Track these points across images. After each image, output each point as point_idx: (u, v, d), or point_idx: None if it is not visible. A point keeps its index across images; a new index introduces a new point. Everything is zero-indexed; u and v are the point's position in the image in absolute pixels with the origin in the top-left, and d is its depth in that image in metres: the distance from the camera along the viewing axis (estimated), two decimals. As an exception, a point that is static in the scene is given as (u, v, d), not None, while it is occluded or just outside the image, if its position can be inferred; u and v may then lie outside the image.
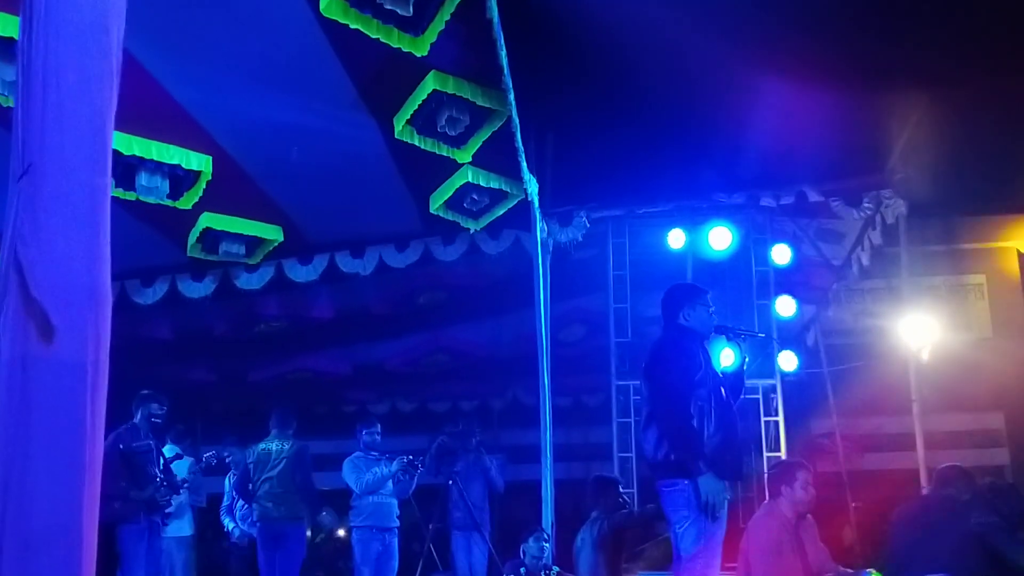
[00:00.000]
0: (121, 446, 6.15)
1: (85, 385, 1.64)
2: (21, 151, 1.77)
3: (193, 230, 6.87)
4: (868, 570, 4.99)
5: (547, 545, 6.20)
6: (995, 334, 13.43)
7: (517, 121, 5.69)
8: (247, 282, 7.82)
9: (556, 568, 6.06)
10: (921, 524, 4.50)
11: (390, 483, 7.17)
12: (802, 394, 8.97)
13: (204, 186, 6.06)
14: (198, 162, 5.91)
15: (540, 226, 7.07)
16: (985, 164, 8.01)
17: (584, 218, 7.80)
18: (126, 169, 5.70)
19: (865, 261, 8.30)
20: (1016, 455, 14.14)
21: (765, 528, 4.96)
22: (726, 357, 5.57)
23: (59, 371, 1.63)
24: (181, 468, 7.09)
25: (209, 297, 7.96)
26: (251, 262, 7.50)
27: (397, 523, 7.24)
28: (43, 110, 1.76)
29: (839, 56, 6.68)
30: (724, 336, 4.42)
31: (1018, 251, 14.65)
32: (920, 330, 7.60)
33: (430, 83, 5.39)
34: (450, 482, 7.51)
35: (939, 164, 7.52)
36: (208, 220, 6.79)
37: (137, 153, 5.60)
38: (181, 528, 7.53)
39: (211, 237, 6.97)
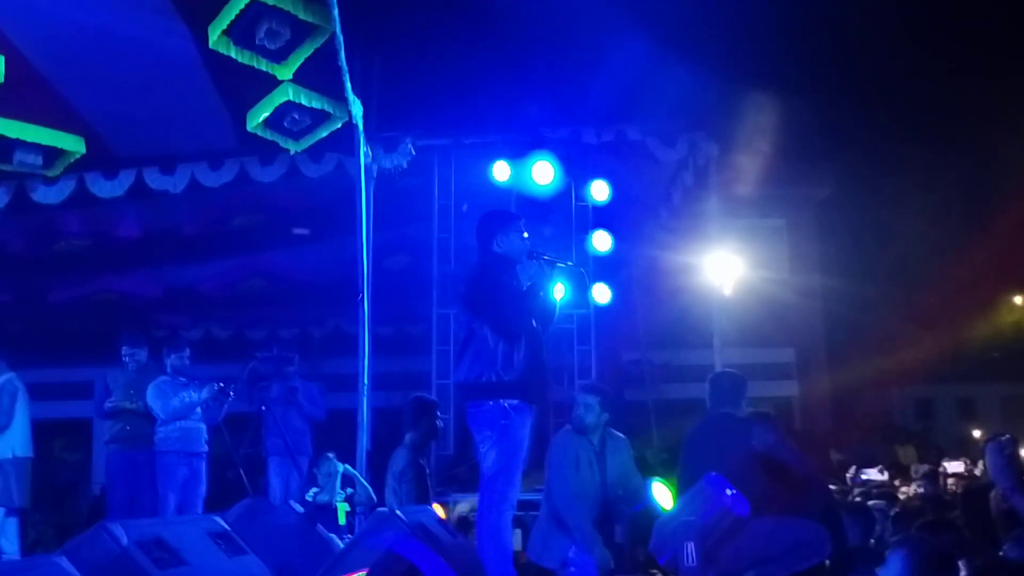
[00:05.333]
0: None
1: None
2: None
3: (-18, 137, 6.32)
4: (654, 479, 5.35)
5: (341, 466, 6.38)
6: (792, 274, 14.49)
7: (342, 39, 5.51)
8: (45, 195, 7.30)
9: (349, 490, 6.23)
10: (707, 441, 4.83)
11: (199, 408, 6.98)
12: (614, 325, 9.36)
13: (-5, 89, 5.57)
14: (-12, 62, 5.42)
15: (364, 150, 6.94)
16: (791, 117, 8.55)
17: (410, 145, 7.73)
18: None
19: (677, 200, 8.70)
20: (804, 387, 15.42)
21: (560, 446, 5.22)
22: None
23: None
24: None
25: (3, 210, 7.39)
26: (50, 174, 6.97)
27: (206, 448, 7.08)
28: None
29: (666, 9, 6.92)
30: (535, 262, 4.52)
31: (816, 197, 15.80)
32: (724, 268, 8.08)
33: (248, -9, 5.14)
34: (263, 408, 7.40)
35: (749, 113, 7.96)
36: (1, 127, 6.25)
37: (-85, 47, 5.07)
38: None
39: (4, 145, 6.41)
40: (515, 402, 4.36)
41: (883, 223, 14.99)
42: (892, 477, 9.96)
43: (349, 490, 6.44)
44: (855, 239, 15.08)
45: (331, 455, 6.71)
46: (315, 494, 6.56)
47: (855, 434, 13.94)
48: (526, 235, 4.58)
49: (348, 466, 6.54)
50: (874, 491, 8.33)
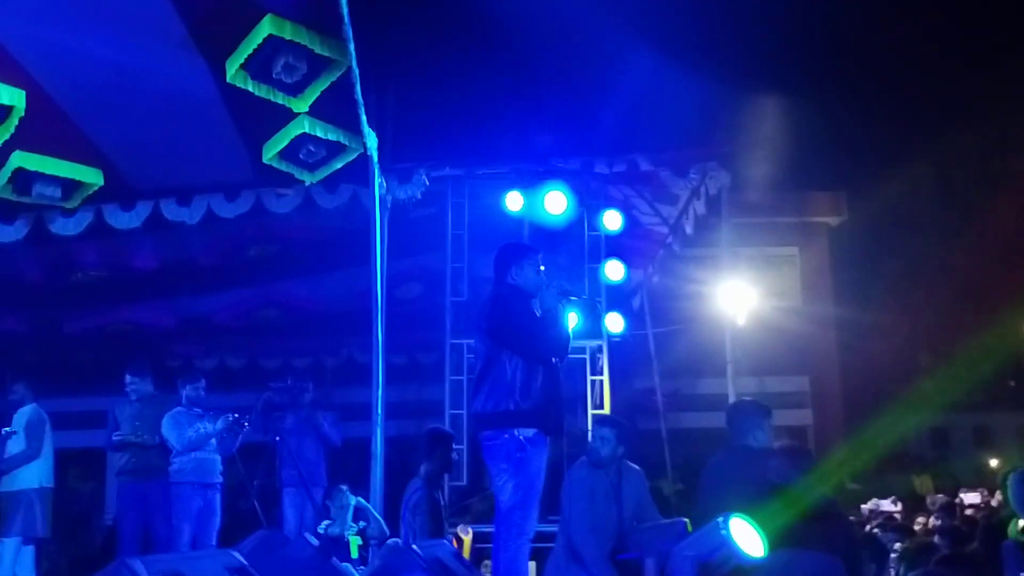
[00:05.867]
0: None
1: None
2: None
3: (3, 170, 6.38)
4: (683, 519, 5.29)
5: (353, 499, 6.37)
6: (804, 303, 14.44)
7: (357, 72, 5.58)
8: (63, 227, 7.34)
9: (362, 523, 6.20)
10: (724, 473, 4.81)
11: (214, 440, 6.99)
12: (627, 355, 9.35)
13: (16, 123, 5.63)
14: (10, 96, 5.46)
15: (379, 181, 6.99)
16: (801, 144, 8.59)
17: (424, 176, 7.77)
18: (-75, 101, 5.23)
19: (689, 230, 8.72)
20: (818, 415, 15.32)
21: (577, 479, 5.20)
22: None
23: None
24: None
25: (20, 242, 7.44)
26: (68, 206, 7.04)
27: (220, 479, 7.08)
28: None
29: (676, 38, 6.98)
30: (550, 294, 4.54)
31: (828, 226, 15.79)
32: (737, 297, 8.07)
33: (266, 27, 5.19)
34: (277, 438, 7.40)
35: (760, 142, 7.99)
36: (20, 159, 6.31)
37: (-62, 82, 5.15)
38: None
39: (23, 178, 6.49)
40: (531, 434, 4.37)
41: (896, 251, 14.96)
42: (907, 508, 9.88)
43: (362, 523, 6.40)
44: (868, 267, 15.05)
45: (344, 488, 6.69)
46: (327, 526, 6.55)
47: (870, 463, 13.83)
48: (542, 268, 4.61)
49: (361, 499, 6.52)
50: (888, 523, 8.27)
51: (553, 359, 4.47)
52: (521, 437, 4.35)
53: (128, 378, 7.23)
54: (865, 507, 9.68)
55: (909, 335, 15.69)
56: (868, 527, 8.27)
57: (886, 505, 9.50)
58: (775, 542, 4.23)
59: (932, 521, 8.78)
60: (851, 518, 7.73)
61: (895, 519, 8.73)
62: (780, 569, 4.25)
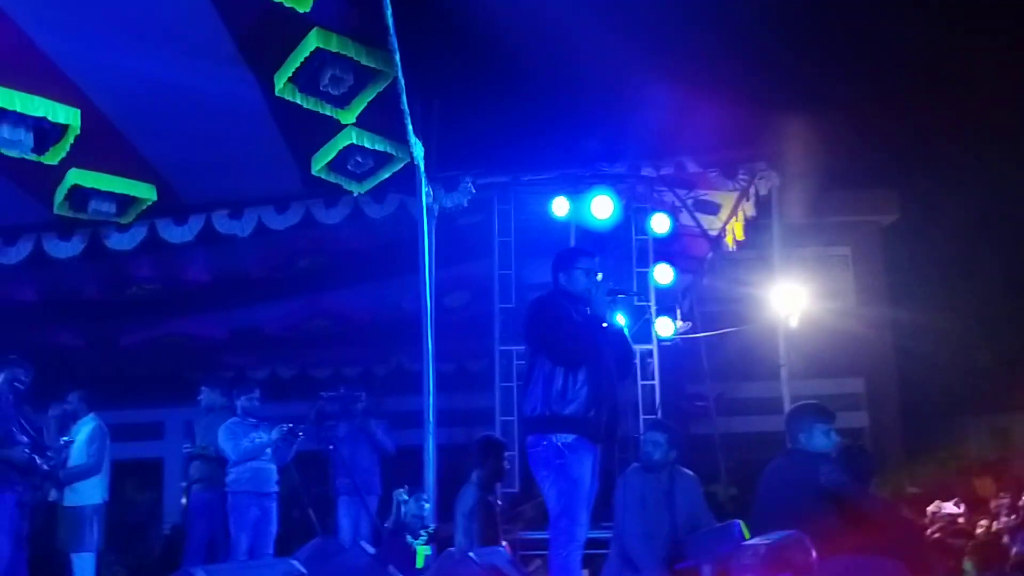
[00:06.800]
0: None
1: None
2: None
3: (60, 187, 6.53)
4: (737, 520, 5.22)
5: (427, 505, 6.25)
6: (858, 303, 14.20)
7: (403, 83, 5.61)
8: (118, 242, 7.49)
9: (432, 526, 6.12)
10: (778, 479, 4.74)
11: (269, 449, 7.07)
12: (677, 359, 9.26)
13: (72, 140, 5.75)
14: (65, 115, 5.59)
15: (426, 190, 7.03)
16: (851, 142, 8.44)
17: (470, 184, 7.79)
18: (-13, 121, 5.36)
19: (738, 231, 8.61)
20: (874, 418, 15.03)
21: (629, 484, 5.16)
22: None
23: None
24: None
25: (77, 257, 7.59)
26: (123, 221, 7.19)
27: (276, 488, 7.15)
28: None
29: (722, 43, 6.91)
30: (607, 300, 4.51)
31: (880, 224, 15.50)
32: (789, 298, 7.95)
33: (313, 40, 5.25)
34: (331, 447, 7.45)
35: (811, 141, 7.87)
36: (76, 177, 6.45)
37: (-1, 104, 5.27)
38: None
39: (80, 194, 6.64)
40: (570, 440, 4.31)
41: (951, 250, 14.62)
42: (970, 511, 9.63)
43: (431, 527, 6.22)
44: (923, 266, 14.74)
45: (427, 503, 6.44)
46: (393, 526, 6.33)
47: (930, 466, 13.53)
48: (600, 276, 4.57)
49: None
50: (950, 527, 8.08)
51: (583, 365, 4.36)
52: (559, 443, 4.30)
53: (203, 389, 7.43)
54: (928, 509, 9.45)
55: (967, 335, 15.32)
56: (930, 530, 8.08)
57: (949, 508, 9.26)
58: (836, 547, 4.15)
59: (996, 524, 8.56)
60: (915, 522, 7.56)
61: (959, 522, 8.51)
62: (843, 574, 4.16)
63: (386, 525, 6.48)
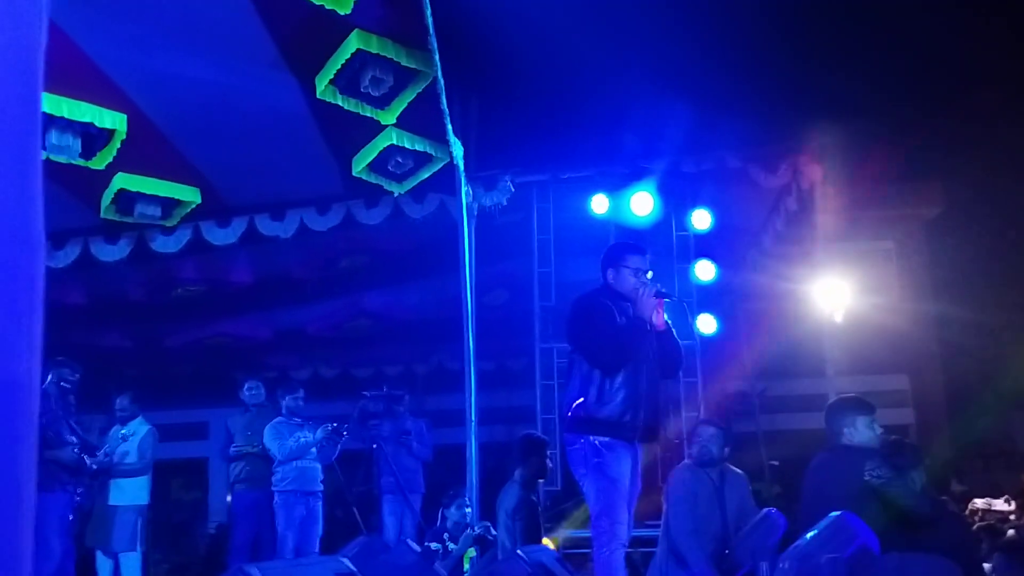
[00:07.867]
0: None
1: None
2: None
3: (107, 191, 6.64)
4: (771, 508, 5.17)
5: (469, 511, 6.25)
6: (902, 298, 13.98)
7: (443, 83, 5.63)
8: (163, 245, 7.60)
9: (477, 527, 6.09)
10: (824, 475, 4.68)
11: (314, 448, 7.13)
12: (720, 356, 9.19)
13: (118, 145, 5.85)
14: (112, 120, 5.69)
15: (465, 190, 7.04)
16: (895, 135, 8.31)
17: (509, 182, 7.80)
18: (35, 126, 5.45)
19: (780, 227, 8.52)
20: (920, 414, 14.80)
21: (680, 481, 5.13)
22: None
23: None
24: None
25: (124, 260, 7.73)
26: (167, 224, 7.30)
27: (321, 487, 7.22)
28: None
29: (763, 35, 6.83)
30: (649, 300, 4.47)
31: (924, 218, 15.25)
32: (833, 294, 7.86)
33: (353, 42, 5.29)
34: (375, 446, 7.50)
35: (853, 134, 7.76)
36: (122, 181, 6.56)
37: (47, 110, 5.37)
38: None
39: (126, 198, 6.75)
40: (607, 439, 4.30)
41: (997, 243, 14.34)
42: (1020, 507, 9.44)
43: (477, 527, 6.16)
44: (968, 260, 14.46)
45: (468, 508, 6.42)
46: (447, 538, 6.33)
47: (977, 462, 13.30)
48: (650, 274, 4.52)
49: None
50: (999, 524, 7.93)
51: (621, 368, 4.31)
52: (596, 442, 4.28)
53: (248, 384, 7.52)
54: (978, 504, 9.29)
55: (1013, 329, 15.02)
56: (978, 527, 7.94)
57: (999, 505, 9.09)
58: (884, 544, 4.09)
59: (1048, 521, 8.37)
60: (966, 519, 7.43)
61: (1010, 519, 8.35)
62: (892, 572, 4.10)
63: (427, 544, 6.43)
